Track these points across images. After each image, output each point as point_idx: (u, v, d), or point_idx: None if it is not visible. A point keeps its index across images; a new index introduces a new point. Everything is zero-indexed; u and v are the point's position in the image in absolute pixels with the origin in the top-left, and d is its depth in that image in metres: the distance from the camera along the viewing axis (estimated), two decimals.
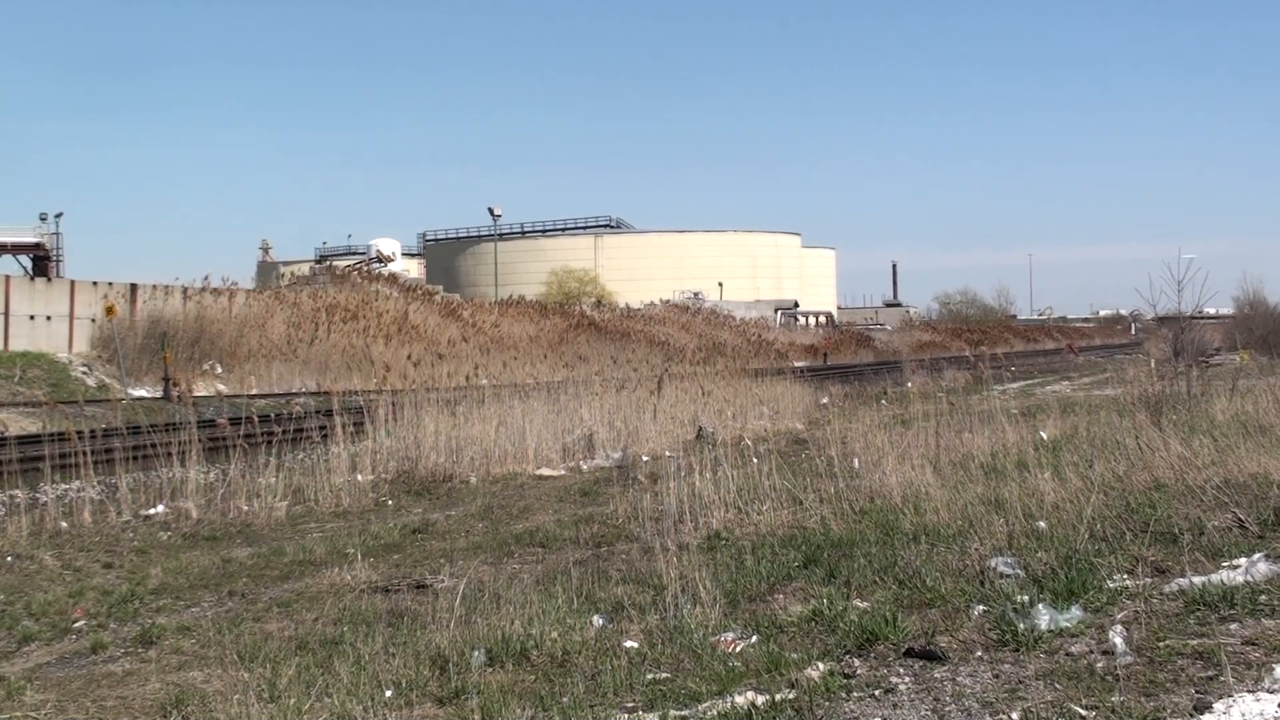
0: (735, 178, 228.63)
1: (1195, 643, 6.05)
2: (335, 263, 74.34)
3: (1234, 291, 64.33)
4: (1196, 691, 5.36)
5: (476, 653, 7.09)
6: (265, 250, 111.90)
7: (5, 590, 10.54)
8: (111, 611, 9.64)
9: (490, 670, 6.87)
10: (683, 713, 5.85)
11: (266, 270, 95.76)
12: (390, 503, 15.80)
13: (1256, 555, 7.59)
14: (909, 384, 33.18)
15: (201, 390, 33.37)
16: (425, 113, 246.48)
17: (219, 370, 38.28)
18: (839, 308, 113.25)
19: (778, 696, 5.77)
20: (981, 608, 7.07)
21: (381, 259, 69.75)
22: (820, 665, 6.26)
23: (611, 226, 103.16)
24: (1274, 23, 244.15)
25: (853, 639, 6.71)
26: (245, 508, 14.50)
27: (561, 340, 52.78)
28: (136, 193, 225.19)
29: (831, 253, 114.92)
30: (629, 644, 7.14)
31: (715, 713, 5.75)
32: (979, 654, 6.30)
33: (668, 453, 18.02)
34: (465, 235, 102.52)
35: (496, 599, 8.43)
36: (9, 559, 11.97)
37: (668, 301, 77.96)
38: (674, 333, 65.36)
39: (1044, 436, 16.09)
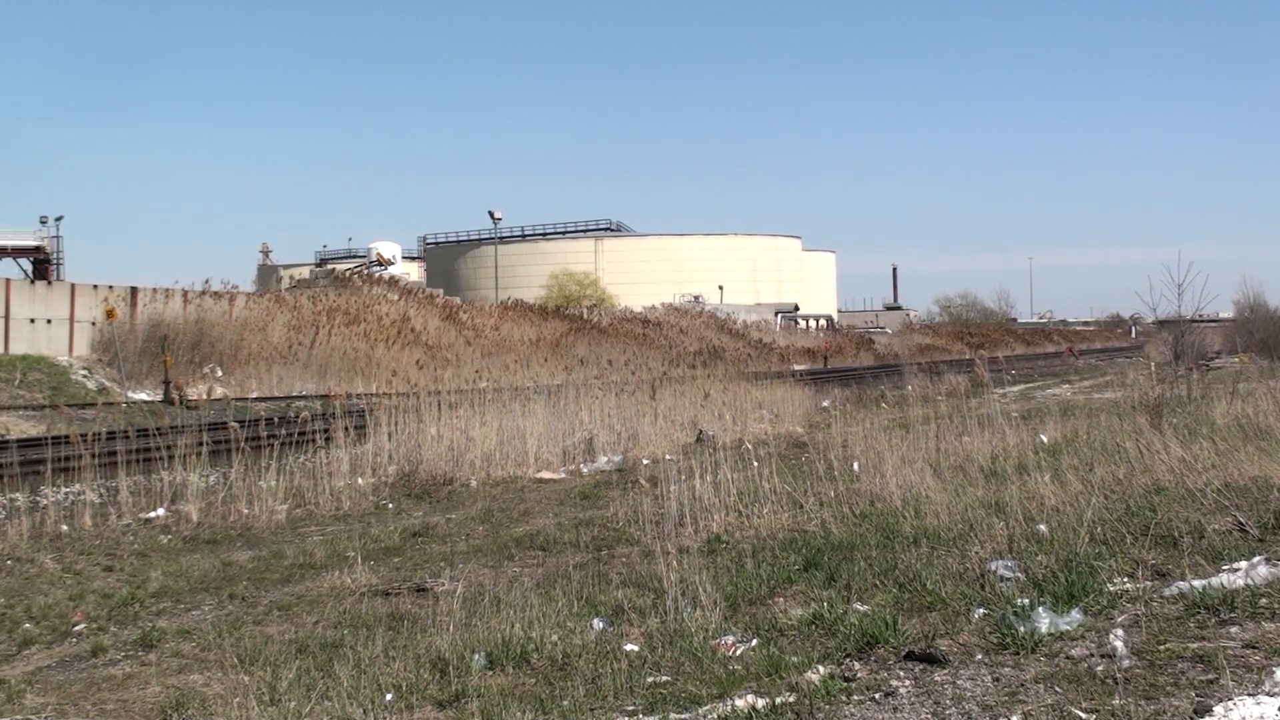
0: (735, 181, 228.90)
1: (1195, 646, 6.05)
2: (335, 266, 74.40)
3: (1234, 295, 64.49)
4: (1196, 695, 5.37)
5: (476, 656, 7.09)
6: (265, 254, 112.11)
7: (6, 593, 10.53)
8: (112, 615, 9.64)
9: (490, 673, 6.88)
10: (683, 716, 5.85)
11: (266, 273, 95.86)
12: (390, 506, 15.80)
13: (1257, 558, 7.59)
14: (909, 387, 33.16)
15: (205, 394, 33.34)
16: (425, 116, 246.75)
17: (219, 373, 38.28)
18: (839, 311, 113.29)
19: (778, 700, 5.77)
20: (982, 611, 7.07)
21: (381, 262, 69.71)
22: (820, 668, 6.25)
23: (612, 229, 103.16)
24: (1273, 26, 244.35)
25: (853, 642, 6.71)
26: (245, 511, 14.50)
27: (561, 343, 52.78)
28: (136, 196, 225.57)
29: (832, 256, 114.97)
30: (629, 647, 7.14)
31: (715, 716, 5.75)
32: (979, 657, 6.30)
33: (668, 456, 18.01)
34: (465, 238, 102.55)
35: (497, 602, 8.44)
36: (9, 562, 11.97)
37: (668, 304, 77.95)
38: (674, 336, 65.37)
39: (1044, 440, 16.08)
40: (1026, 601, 7.01)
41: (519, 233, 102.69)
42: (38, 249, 67.09)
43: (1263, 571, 7.22)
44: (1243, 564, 7.51)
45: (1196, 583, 7.10)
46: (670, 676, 6.55)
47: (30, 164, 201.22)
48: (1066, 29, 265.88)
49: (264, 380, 38.33)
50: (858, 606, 7.54)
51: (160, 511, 14.56)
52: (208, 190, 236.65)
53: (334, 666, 7.20)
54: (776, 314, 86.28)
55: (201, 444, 15.84)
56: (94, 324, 39.28)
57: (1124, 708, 5.23)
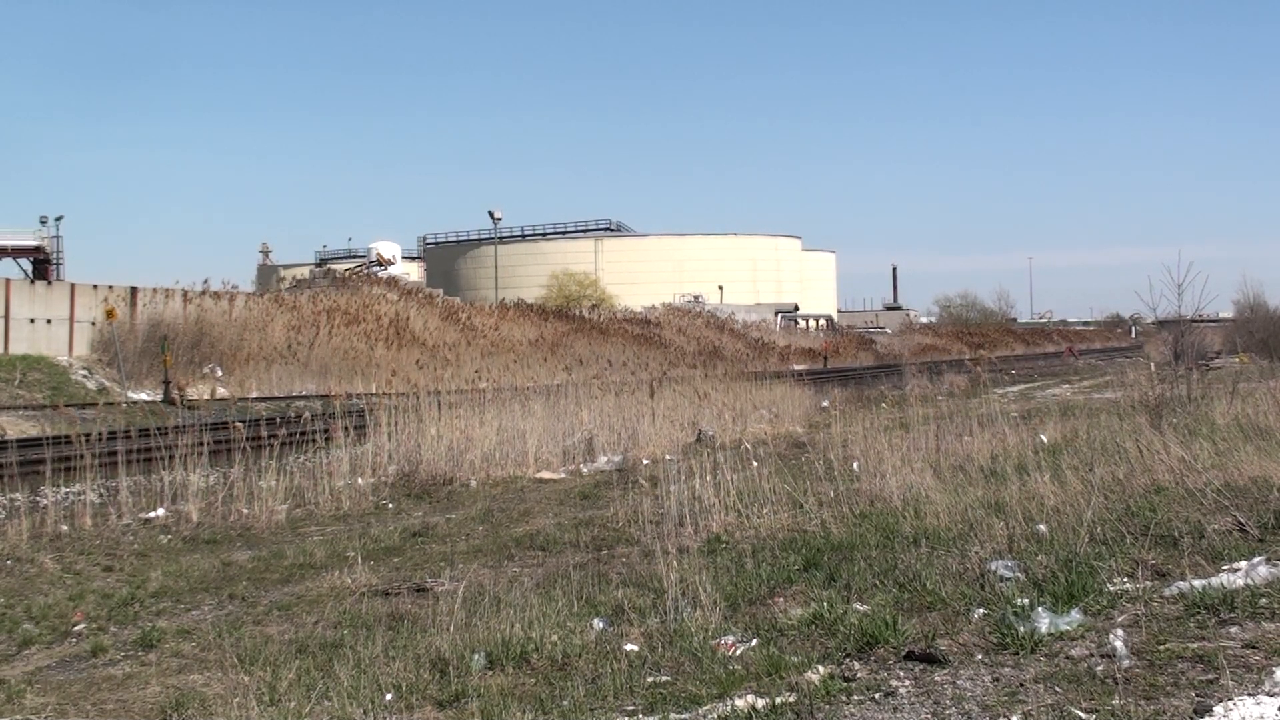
0: (735, 181, 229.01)
1: (1195, 646, 6.05)
2: (335, 266, 74.42)
3: (1234, 295, 64.48)
4: (1196, 695, 5.37)
5: (476, 656, 7.09)
6: (265, 253, 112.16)
7: (6, 593, 10.53)
8: (112, 615, 9.63)
9: (490, 673, 6.87)
10: (683, 716, 5.85)
11: (266, 273, 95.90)
12: (390, 506, 15.79)
13: (1256, 558, 7.59)
14: (909, 387, 33.14)
15: (205, 394, 33.34)
16: (425, 116, 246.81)
17: (219, 373, 38.27)
18: (839, 311, 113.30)
19: (778, 700, 5.77)
20: (982, 611, 7.07)
21: (381, 262, 69.72)
22: (820, 668, 6.25)
23: (612, 229, 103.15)
24: (1273, 26, 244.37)
25: (853, 642, 6.71)
26: (245, 511, 14.49)
27: (561, 343, 52.77)
28: (136, 196, 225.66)
29: (832, 256, 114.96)
30: (629, 647, 7.14)
31: (715, 716, 5.75)
32: (979, 657, 6.29)
33: (668, 456, 18.01)
34: (465, 238, 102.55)
35: (496, 602, 8.43)
36: (9, 562, 11.96)
37: (668, 304, 77.93)
38: (674, 336, 65.37)
39: (1044, 440, 16.07)
40: (1026, 601, 7.01)
41: (519, 233, 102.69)
42: (38, 249, 67.08)
43: (1263, 571, 7.23)
44: (1243, 564, 7.51)
45: (1196, 583, 7.10)
46: (670, 676, 6.55)
47: (30, 164, 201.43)
48: (1066, 29, 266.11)
49: (264, 380, 38.30)
50: (858, 606, 7.54)
51: (160, 511, 14.55)
52: (208, 190, 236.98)
53: (334, 666, 7.20)
54: (776, 314, 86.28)
55: (202, 444, 15.82)
56: (94, 324, 39.26)
57: (1124, 708, 5.23)
